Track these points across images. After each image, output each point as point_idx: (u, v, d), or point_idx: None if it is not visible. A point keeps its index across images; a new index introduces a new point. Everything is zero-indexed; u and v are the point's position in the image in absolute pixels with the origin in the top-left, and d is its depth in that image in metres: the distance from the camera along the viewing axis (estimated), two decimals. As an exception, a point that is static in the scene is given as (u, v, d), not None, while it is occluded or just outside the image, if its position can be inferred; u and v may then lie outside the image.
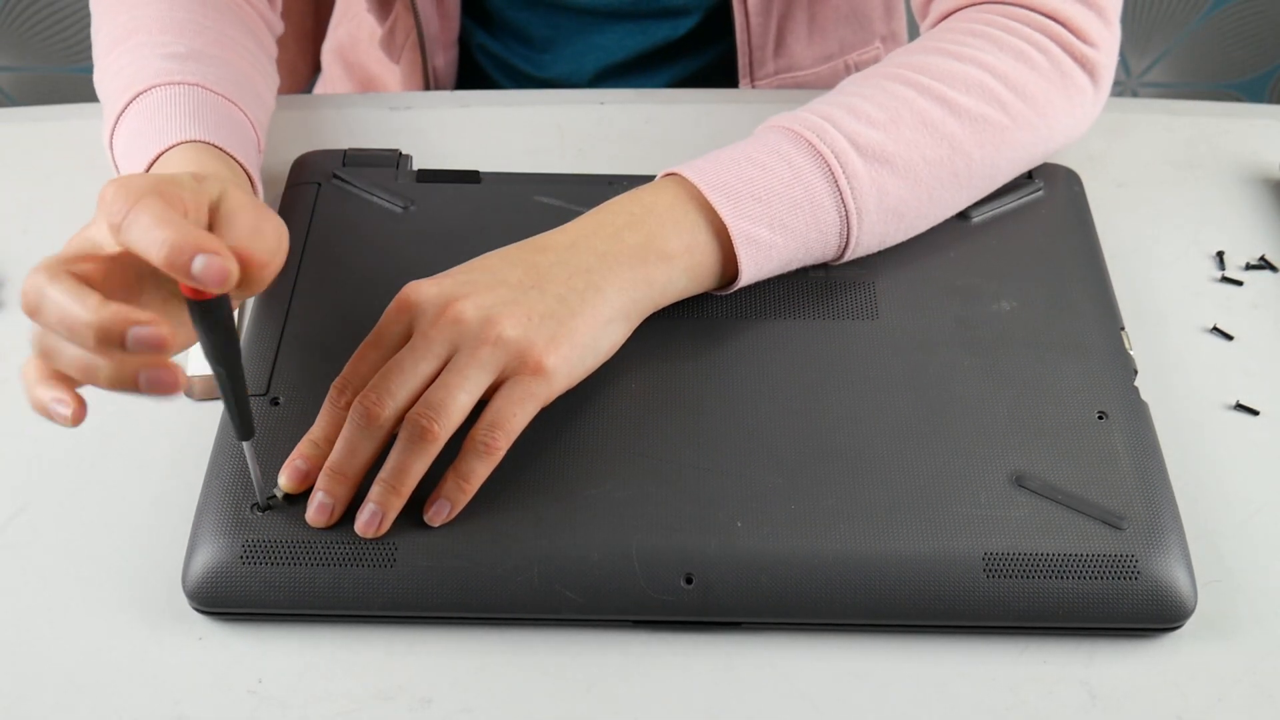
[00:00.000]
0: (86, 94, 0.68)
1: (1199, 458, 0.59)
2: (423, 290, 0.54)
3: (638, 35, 0.85)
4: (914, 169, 0.60)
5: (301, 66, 1.00)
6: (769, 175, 0.58)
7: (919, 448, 0.56)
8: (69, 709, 0.51)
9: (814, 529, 0.53)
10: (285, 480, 0.53)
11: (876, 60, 0.89)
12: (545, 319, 0.54)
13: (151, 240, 0.44)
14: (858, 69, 0.88)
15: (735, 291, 0.61)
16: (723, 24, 0.84)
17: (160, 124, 0.59)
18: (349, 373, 0.53)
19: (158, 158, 0.58)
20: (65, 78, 1.49)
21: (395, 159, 0.69)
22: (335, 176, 0.67)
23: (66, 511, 0.57)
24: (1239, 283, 0.68)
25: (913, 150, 0.60)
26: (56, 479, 0.58)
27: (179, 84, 0.61)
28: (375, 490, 0.52)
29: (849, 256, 0.61)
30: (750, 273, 0.59)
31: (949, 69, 0.62)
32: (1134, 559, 0.52)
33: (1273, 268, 0.69)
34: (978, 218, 0.66)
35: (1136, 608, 0.52)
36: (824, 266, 0.63)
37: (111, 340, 0.44)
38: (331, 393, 0.53)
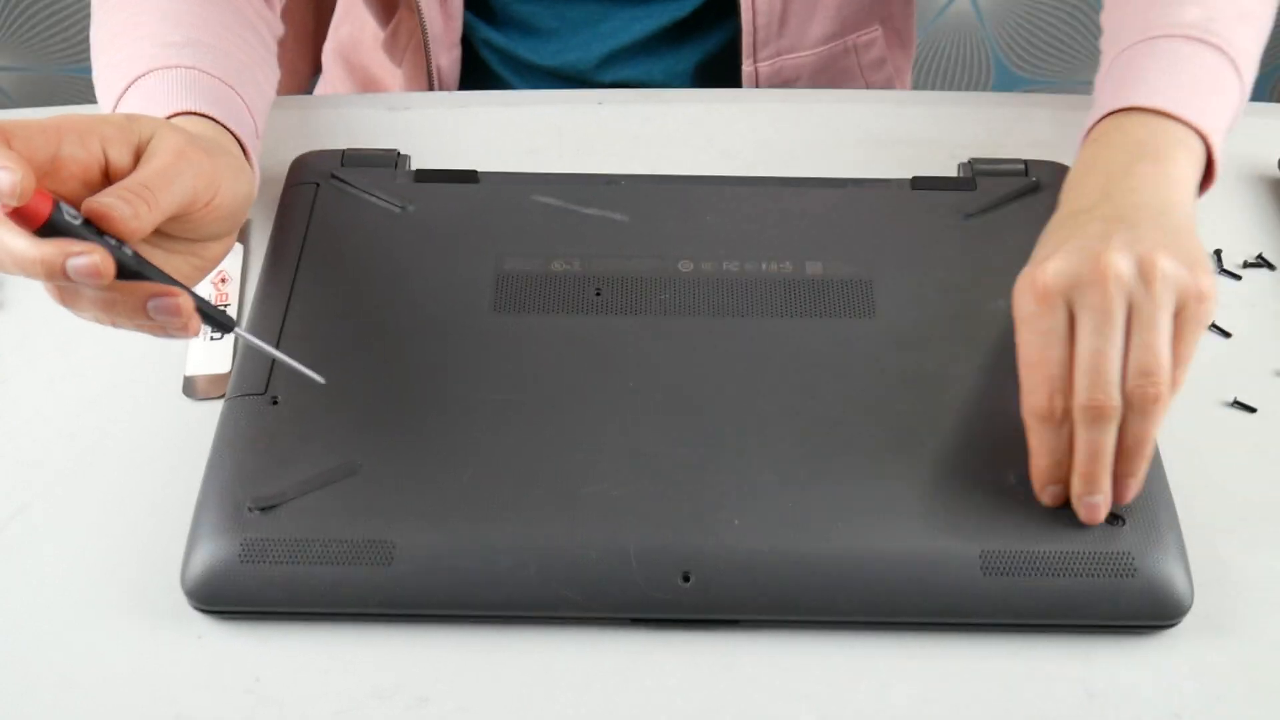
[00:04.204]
0: (86, 94, 0.68)
1: (1196, 455, 0.59)
2: (1057, 269, 0.52)
3: (644, 19, 0.86)
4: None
5: (301, 66, 1.00)
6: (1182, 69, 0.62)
7: (916, 446, 0.56)
8: (68, 708, 0.51)
9: (811, 527, 0.53)
10: (1053, 501, 0.53)
11: (875, 42, 0.89)
12: (1171, 243, 0.53)
13: None
14: (858, 51, 0.89)
15: (732, 290, 0.62)
16: (727, 3, 0.85)
17: (158, 101, 0.60)
18: (1046, 381, 0.52)
19: None
20: (65, 78, 1.49)
21: (393, 159, 0.69)
22: (333, 177, 0.67)
23: (66, 511, 0.57)
24: (1238, 276, 0.68)
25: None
26: (56, 479, 0.59)
27: (175, 67, 0.61)
28: (1084, 482, 0.52)
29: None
30: (1221, 129, 0.61)
31: None
32: (1131, 557, 0.53)
33: (1270, 266, 0.69)
34: (975, 216, 0.66)
35: (1134, 606, 0.52)
36: (821, 264, 0.63)
37: (55, 272, 0.46)
38: (1040, 410, 0.52)
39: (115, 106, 0.62)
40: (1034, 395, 0.52)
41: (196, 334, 0.52)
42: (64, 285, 0.49)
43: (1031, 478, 0.54)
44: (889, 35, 0.91)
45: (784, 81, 0.87)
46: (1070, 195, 0.59)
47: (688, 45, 0.88)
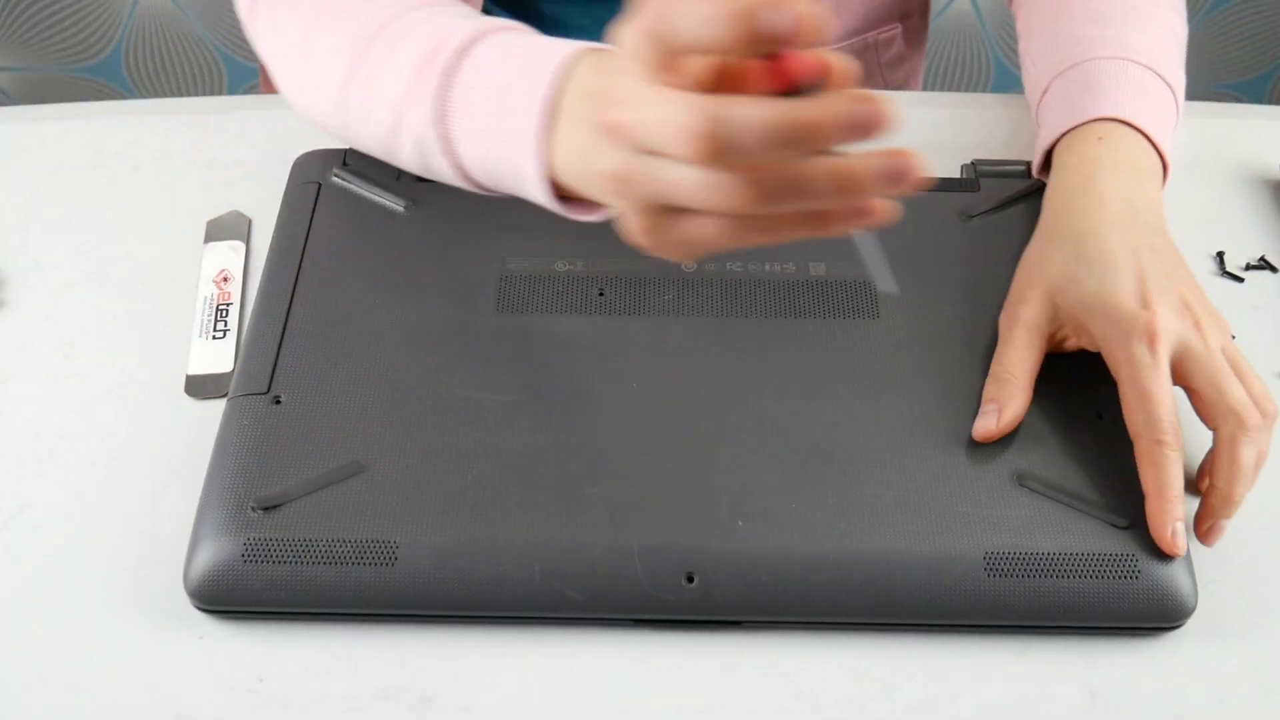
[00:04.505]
0: (86, 94, 0.68)
1: (1199, 457, 0.59)
2: (1166, 324, 0.56)
3: None
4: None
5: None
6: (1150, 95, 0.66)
7: (920, 447, 0.56)
8: (69, 708, 0.51)
9: (815, 528, 0.53)
10: (1177, 541, 0.53)
11: (894, 40, 0.90)
12: (1200, 292, 0.59)
13: (705, 19, 0.39)
14: (878, 49, 0.89)
15: (736, 290, 0.62)
16: None
17: (535, 48, 0.53)
18: (1167, 417, 0.55)
19: (560, 77, 0.51)
20: (65, 78, 1.49)
21: (396, 158, 0.69)
22: (336, 176, 0.67)
23: (67, 511, 0.57)
24: (1240, 279, 0.68)
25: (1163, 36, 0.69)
26: (57, 479, 0.58)
27: (507, 29, 0.56)
28: (1226, 503, 0.55)
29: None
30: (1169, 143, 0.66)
31: None
32: (1135, 558, 0.53)
33: (1273, 268, 0.69)
34: (977, 217, 0.66)
35: (1137, 607, 0.52)
36: (825, 265, 0.63)
37: (856, 122, 0.40)
38: (1168, 438, 0.54)
39: (454, 66, 0.55)
40: (1159, 427, 0.54)
41: (886, 221, 0.44)
42: (787, 172, 0.42)
43: (1156, 520, 0.53)
44: (907, 33, 0.91)
45: None
46: (1089, 195, 0.61)
47: None
